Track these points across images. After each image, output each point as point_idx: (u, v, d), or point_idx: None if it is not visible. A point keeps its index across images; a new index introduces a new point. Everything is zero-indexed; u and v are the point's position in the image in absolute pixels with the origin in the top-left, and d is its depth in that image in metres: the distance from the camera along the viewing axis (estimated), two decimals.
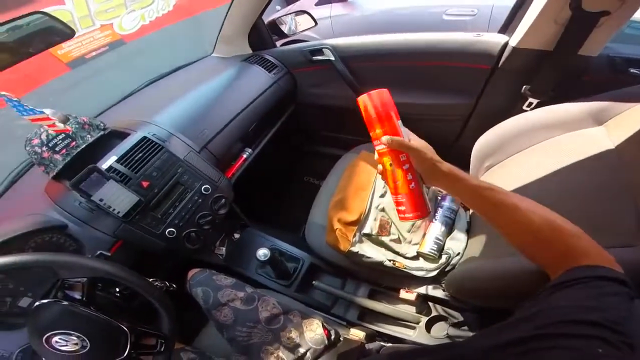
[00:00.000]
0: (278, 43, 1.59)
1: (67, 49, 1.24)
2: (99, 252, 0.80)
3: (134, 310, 0.82)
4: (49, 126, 0.81)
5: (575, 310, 0.37)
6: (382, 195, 0.97)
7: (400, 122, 0.59)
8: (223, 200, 0.98)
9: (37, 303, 0.63)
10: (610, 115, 0.82)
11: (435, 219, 0.94)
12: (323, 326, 0.81)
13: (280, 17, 1.60)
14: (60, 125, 0.83)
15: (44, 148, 0.82)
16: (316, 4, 3.25)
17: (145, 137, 0.90)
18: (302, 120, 1.66)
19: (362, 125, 1.55)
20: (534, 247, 0.53)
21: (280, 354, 0.78)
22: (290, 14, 1.66)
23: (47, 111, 0.80)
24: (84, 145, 0.85)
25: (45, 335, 0.62)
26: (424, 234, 0.93)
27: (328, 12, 3.13)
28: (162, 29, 1.61)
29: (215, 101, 1.16)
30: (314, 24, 1.68)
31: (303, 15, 1.67)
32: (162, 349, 0.70)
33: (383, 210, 0.95)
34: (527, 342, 0.37)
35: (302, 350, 0.77)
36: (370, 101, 0.59)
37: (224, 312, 0.86)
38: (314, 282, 1.09)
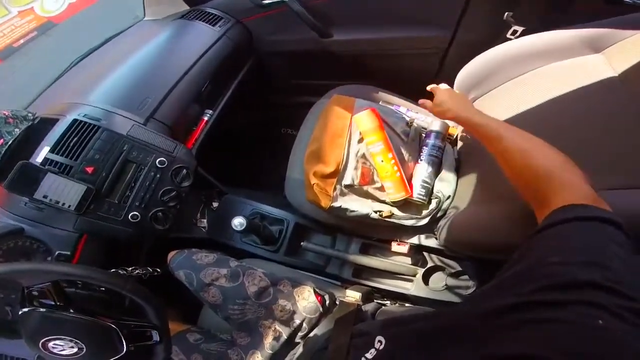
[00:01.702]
0: None
1: None
2: (57, 253, 0.78)
3: (125, 303, 0.81)
4: None
5: (566, 269, 0.32)
6: (360, 141, 0.92)
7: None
8: (184, 171, 0.92)
9: (19, 313, 0.62)
10: (610, 43, 0.77)
11: (421, 159, 0.90)
12: (315, 292, 0.81)
13: None
14: None
15: None
16: None
17: (76, 120, 0.83)
18: (268, 71, 1.57)
19: (332, 69, 1.46)
20: (518, 183, 0.55)
21: (277, 327, 0.79)
22: None
23: None
24: (11, 141, 0.78)
25: (40, 342, 0.62)
26: (410, 179, 0.89)
27: None
28: (95, 2, 1.44)
29: (153, 67, 1.07)
30: None
31: None
32: (158, 339, 0.69)
33: (363, 156, 0.90)
34: (514, 312, 0.33)
35: (297, 321, 0.78)
36: (366, 117, 0.86)
37: (211, 293, 0.86)
38: (302, 243, 1.08)
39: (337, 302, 0.82)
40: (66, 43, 1.30)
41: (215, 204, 1.22)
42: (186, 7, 1.31)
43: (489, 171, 0.73)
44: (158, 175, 0.88)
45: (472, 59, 0.93)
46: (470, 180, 0.86)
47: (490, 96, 0.90)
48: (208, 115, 1.17)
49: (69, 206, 0.75)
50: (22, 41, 1.23)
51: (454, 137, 1.01)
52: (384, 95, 1.10)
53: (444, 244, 0.86)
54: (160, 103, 0.98)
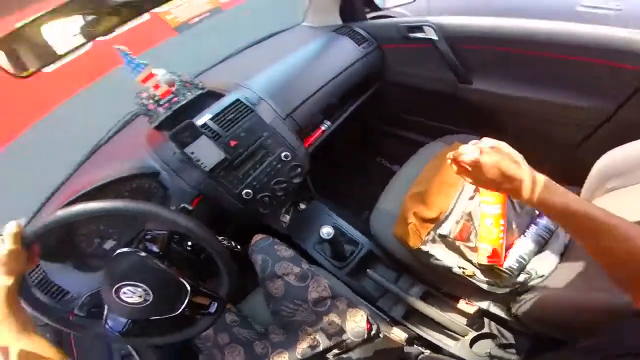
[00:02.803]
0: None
1: (174, 15, 1.42)
2: (182, 206, 0.88)
3: (198, 266, 0.89)
4: (154, 87, 0.94)
5: None
6: (472, 198, 0.94)
7: None
8: (299, 169, 1.04)
9: (118, 251, 0.69)
10: None
11: (526, 235, 0.89)
12: (367, 319, 0.85)
13: None
14: (164, 87, 0.95)
15: (150, 101, 0.96)
16: None
17: (238, 100, 0.99)
18: (386, 99, 1.64)
19: (457, 115, 1.45)
20: (612, 267, 0.49)
21: (317, 336, 0.83)
22: None
23: (159, 71, 0.93)
24: (184, 102, 0.96)
25: (117, 285, 0.67)
26: (507, 248, 0.88)
27: None
28: None
29: (303, 71, 1.21)
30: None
31: None
32: (212, 311, 0.75)
33: (469, 214, 0.91)
34: None
35: (340, 338, 0.83)
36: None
37: (276, 284, 0.93)
38: (368, 270, 1.12)
39: (381, 336, 0.85)
40: (228, 28, 1.54)
41: (302, 206, 1.33)
42: (340, 22, 1.46)
43: (597, 267, 0.70)
44: (279, 166, 1.01)
45: (624, 142, 0.85)
46: (572, 268, 0.80)
47: (633, 189, 0.80)
48: (326, 125, 1.30)
49: (205, 166, 0.89)
50: (196, 20, 1.48)
51: None
52: None
53: (519, 315, 0.83)
54: (301, 104, 1.12)
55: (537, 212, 0.93)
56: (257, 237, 1.07)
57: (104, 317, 0.72)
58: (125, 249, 0.69)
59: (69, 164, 1.11)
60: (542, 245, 0.88)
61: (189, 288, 0.69)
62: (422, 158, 1.15)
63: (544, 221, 0.89)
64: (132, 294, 0.67)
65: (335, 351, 0.83)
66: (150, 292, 0.67)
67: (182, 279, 0.69)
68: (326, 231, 1.05)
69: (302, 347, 0.83)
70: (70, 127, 1.83)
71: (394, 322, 1.05)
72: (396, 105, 1.67)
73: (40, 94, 1.80)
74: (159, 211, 0.67)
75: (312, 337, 0.83)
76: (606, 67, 0.98)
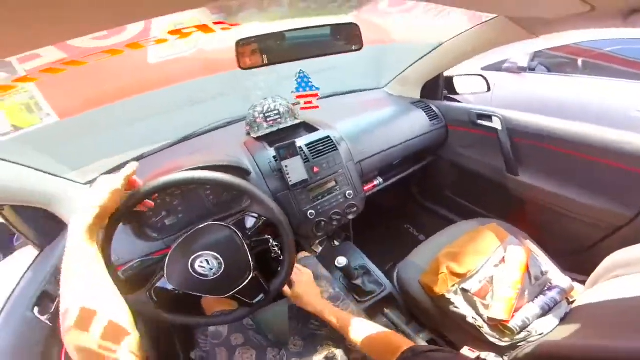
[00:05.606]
0: None
1: None
2: None
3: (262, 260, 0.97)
4: (306, 102, 1.26)
5: None
6: (496, 265, 1.14)
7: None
8: (355, 208, 1.31)
9: (210, 222, 0.81)
10: None
11: (534, 302, 1.08)
12: None
13: (456, 75, 1.80)
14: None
15: (260, 115, 1.28)
16: (483, 68, 3.44)
17: (328, 136, 1.30)
18: (433, 173, 1.91)
19: (495, 201, 1.73)
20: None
21: (336, 350, 0.94)
22: (465, 75, 1.80)
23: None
24: (286, 126, 1.29)
25: (198, 253, 0.76)
26: (516, 310, 1.06)
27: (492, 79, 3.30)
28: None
29: (381, 129, 1.53)
30: (485, 89, 1.72)
31: (477, 78, 1.76)
32: (252, 303, 0.84)
33: (491, 278, 1.11)
34: None
35: (357, 355, 0.94)
36: (520, 252, 1.13)
37: None
38: (385, 309, 1.31)
39: None
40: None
41: (337, 243, 1.58)
42: (418, 97, 1.79)
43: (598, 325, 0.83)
44: (341, 200, 1.28)
45: None
46: (569, 329, 0.94)
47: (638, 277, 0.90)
48: (379, 181, 1.58)
49: (290, 181, 1.17)
50: None
51: (573, 299, 1.12)
52: (531, 245, 1.25)
53: None
54: (371, 156, 1.41)
55: (546, 285, 1.12)
56: (304, 253, 1.29)
57: (153, 282, 0.77)
58: (219, 222, 0.81)
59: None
60: (546, 311, 1.06)
61: (252, 274, 0.80)
62: (457, 231, 1.36)
63: (552, 293, 1.08)
64: (206, 265, 0.76)
65: None
66: (222, 268, 0.76)
67: (251, 263, 0.81)
68: (342, 260, 1.27)
69: (319, 357, 0.92)
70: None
71: None
72: (443, 181, 1.92)
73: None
74: (265, 199, 0.83)
75: (331, 350, 0.93)
76: (634, 173, 1.17)
